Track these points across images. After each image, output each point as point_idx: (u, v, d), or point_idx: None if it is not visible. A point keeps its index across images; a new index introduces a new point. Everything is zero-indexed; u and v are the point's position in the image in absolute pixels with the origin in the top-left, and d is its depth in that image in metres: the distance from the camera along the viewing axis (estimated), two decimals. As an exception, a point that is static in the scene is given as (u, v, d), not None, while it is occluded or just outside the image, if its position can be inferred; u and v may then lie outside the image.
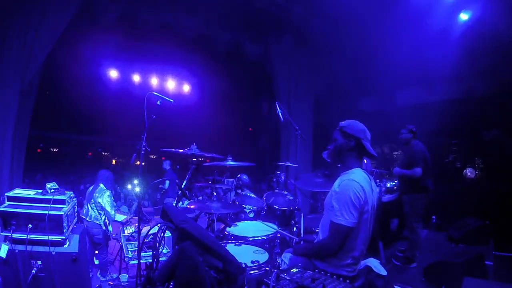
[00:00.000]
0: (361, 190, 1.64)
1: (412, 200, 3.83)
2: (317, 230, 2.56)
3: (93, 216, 3.69)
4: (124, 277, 3.38)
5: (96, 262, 3.76)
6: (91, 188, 3.89)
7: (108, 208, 3.75)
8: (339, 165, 1.87)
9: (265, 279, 1.33)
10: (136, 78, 8.59)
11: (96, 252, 3.75)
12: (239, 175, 4.16)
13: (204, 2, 5.95)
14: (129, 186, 9.03)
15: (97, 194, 3.77)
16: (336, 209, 1.64)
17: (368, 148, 1.79)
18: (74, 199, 2.67)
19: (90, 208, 3.71)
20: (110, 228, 3.87)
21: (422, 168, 3.70)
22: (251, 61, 7.28)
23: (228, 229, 2.72)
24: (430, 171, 3.88)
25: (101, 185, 3.86)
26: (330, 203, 1.74)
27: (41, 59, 4.60)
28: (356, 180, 1.67)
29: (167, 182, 6.84)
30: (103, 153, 16.01)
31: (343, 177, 1.75)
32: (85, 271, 2.58)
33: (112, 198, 3.89)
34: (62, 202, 2.36)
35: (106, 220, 3.81)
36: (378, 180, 4.86)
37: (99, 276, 3.55)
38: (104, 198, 3.76)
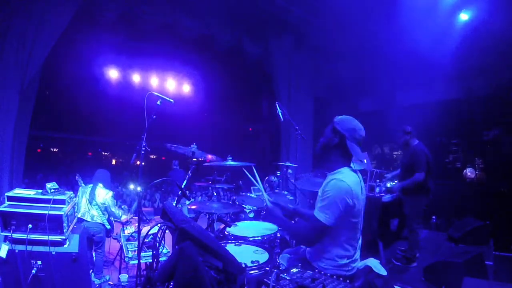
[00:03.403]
0: (349, 192, 1.61)
1: (413, 201, 3.76)
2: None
3: (95, 216, 3.67)
4: (124, 277, 3.38)
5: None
6: (89, 188, 3.81)
7: (114, 209, 3.78)
8: (326, 163, 1.81)
9: (265, 279, 1.33)
10: (136, 78, 8.59)
11: (94, 253, 3.74)
12: (267, 177, 4.26)
13: (204, 2, 5.96)
14: (131, 186, 9.03)
15: (99, 195, 3.75)
16: (320, 205, 1.64)
17: (350, 148, 1.70)
18: (74, 199, 2.67)
19: (90, 208, 3.68)
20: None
21: (425, 171, 3.57)
22: (251, 61, 7.28)
23: (228, 229, 2.72)
24: (433, 172, 3.86)
25: (100, 184, 3.84)
26: (318, 202, 1.72)
27: (41, 59, 4.59)
28: (345, 180, 1.63)
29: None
30: (103, 153, 15.99)
31: (332, 177, 1.71)
32: (85, 271, 2.58)
33: (114, 199, 3.91)
34: (62, 202, 2.36)
35: (111, 218, 3.82)
36: (378, 180, 4.86)
37: (94, 279, 3.53)
38: (109, 200, 3.77)
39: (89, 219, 3.62)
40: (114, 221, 4.00)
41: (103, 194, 3.77)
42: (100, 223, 3.70)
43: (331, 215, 1.60)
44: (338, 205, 1.60)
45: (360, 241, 1.79)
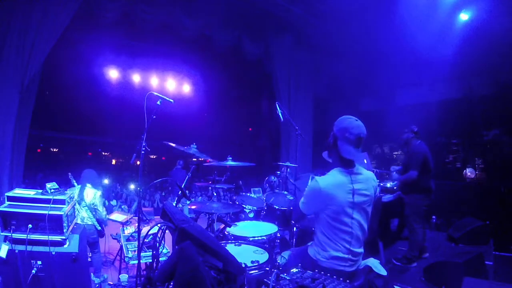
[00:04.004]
0: (318, 194, 1.73)
1: (413, 201, 3.77)
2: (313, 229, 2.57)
3: (85, 218, 3.58)
4: (124, 277, 3.38)
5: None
6: (77, 190, 3.69)
7: (100, 208, 3.68)
8: (329, 163, 1.89)
9: (265, 279, 1.33)
10: (136, 78, 8.59)
11: (90, 254, 3.68)
12: (267, 177, 4.31)
13: (204, 2, 5.96)
14: (131, 186, 9.04)
15: (88, 195, 3.67)
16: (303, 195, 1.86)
17: (340, 148, 1.74)
18: (74, 199, 2.67)
19: (80, 209, 3.57)
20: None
21: (418, 171, 3.60)
22: (251, 61, 7.28)
23: (228, 229, 2.72)
24: (432, 172, 3.86)
25: (88, 185, 3.75)
26: None
27: (41, 59, 4.60)
28: (318, 180, 1.74)
29: None
30: (103, 153, 16.00)
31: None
32: (85, 271, 2.58)
33: (103, 198, 3.82)
34: (62, 202, 2.36)
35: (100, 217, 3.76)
36: (378, 180, 4.86)
37: (93, 278, 3.50)
38: (97, 199, 3.68)
39: (79, 222, 3.47)
40: (113, 221, 3.97)
41: (92, 194, 3.69)
42: (91, 224, 3.60)
43: (306, 206, 1.85)
44: (309, 202, 1.81)
45: (356, 242, 1.79)
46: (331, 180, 1.74)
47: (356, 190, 1.75)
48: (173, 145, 2.63)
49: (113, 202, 7.72)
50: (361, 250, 1.83)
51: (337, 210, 1.72)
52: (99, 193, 3.75)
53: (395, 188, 4.51)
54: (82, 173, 3.86)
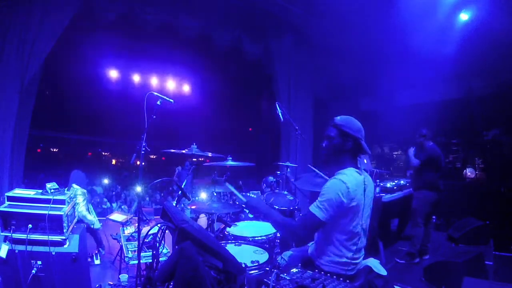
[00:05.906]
0: (345, 191, 1.61)
1: (422, 196, 3.98)
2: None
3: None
4: (124, 277, 3.38)
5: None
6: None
7: (81, 205, 3.76)
8: (333, 167, 1.81)
9: (265, 279, 1.32)
10: (136, 78, 8.59)
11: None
12: (264, 178, 4.32)
13: (204, 2, 5.95)
14: (130, 189, 9.04)
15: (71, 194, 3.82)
16: (317, 201, 1.66)
17: (365, 148, 1.78)
18: (74, 199, 2.67)
19: None
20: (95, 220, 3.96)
21: (422, 163, 3.96)
22: (251, 61, 7.27)
23: (228, 229, 2.72)
24: (440, 172, 4.02)
25: (74, 185, 3.89)
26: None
27: (41, 59, 4.60)
28: (344, 180, 1.63)
29: None
30: (103, 153, 15.99)
31: (333, 177, 1.73)
32: (85, 271, 2.58)
33: (86, 197, 3.93)
34: (62, 202, 2.36)
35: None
36: (378, 180, 4.86)
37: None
38: (78, 198, 3.78)
39: None
40: (113, 221, 4.00)
41: (75, 193, 3.82)
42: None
43: (325, 212, 1.62)
44: (334, 203, 1.61)
45: (362, 244, 1.77)
46: (352, 177, 1.67)
47: (366, 190, 1.74)
48: (173, 151, 2.64)
49: (114, 205, 7.74)
50: (362, 253, 1.81)
51: (356, 212, 1.66)
52: (80, 191, 3.86)
53: (395, 188, 4.52)
54: (70, 174, 4.03)
